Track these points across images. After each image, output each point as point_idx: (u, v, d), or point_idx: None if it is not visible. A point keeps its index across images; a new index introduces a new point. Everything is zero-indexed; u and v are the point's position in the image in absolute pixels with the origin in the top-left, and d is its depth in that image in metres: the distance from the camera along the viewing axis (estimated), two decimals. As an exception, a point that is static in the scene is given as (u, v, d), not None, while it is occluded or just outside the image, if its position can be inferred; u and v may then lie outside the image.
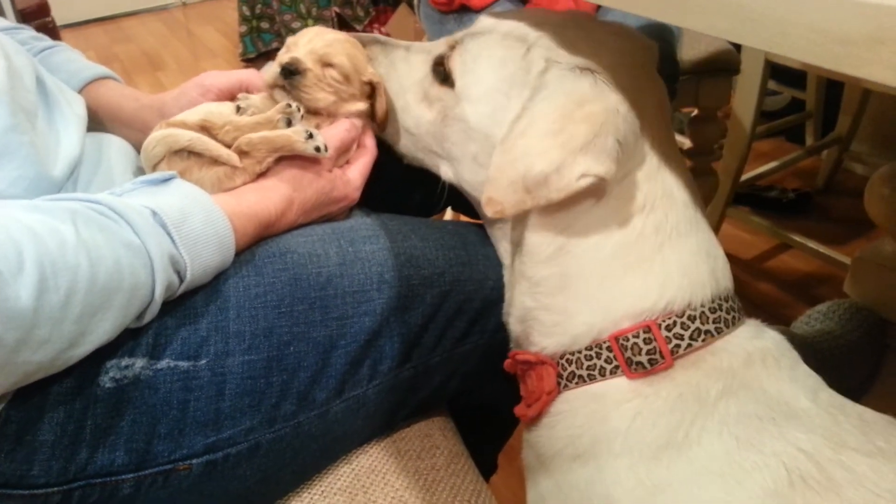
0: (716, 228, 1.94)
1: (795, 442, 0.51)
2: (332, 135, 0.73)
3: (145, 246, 0.55)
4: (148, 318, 0.57)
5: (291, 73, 0.72)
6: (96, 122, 0.79)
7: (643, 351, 0.56)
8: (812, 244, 1.75)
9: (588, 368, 0.59)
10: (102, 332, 0.52)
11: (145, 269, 0.55)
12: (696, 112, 1.62)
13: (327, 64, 0.74)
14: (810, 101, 2.20)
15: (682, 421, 0.54)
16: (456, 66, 0.68)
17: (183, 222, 0.58)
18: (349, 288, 0.67)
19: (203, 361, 0.59)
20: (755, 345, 0.57)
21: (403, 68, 0.76)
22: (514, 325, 0.68)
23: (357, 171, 0.77)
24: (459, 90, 0.67)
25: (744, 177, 1.91)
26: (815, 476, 0.49)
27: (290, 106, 0.71)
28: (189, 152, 0.68)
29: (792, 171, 2.27)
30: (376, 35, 0.80)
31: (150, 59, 3.80)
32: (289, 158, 0.70)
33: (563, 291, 0.61)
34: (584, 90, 0.57)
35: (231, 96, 0.77)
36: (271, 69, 0.74)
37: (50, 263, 0.48)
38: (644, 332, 0.57)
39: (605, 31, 0.67)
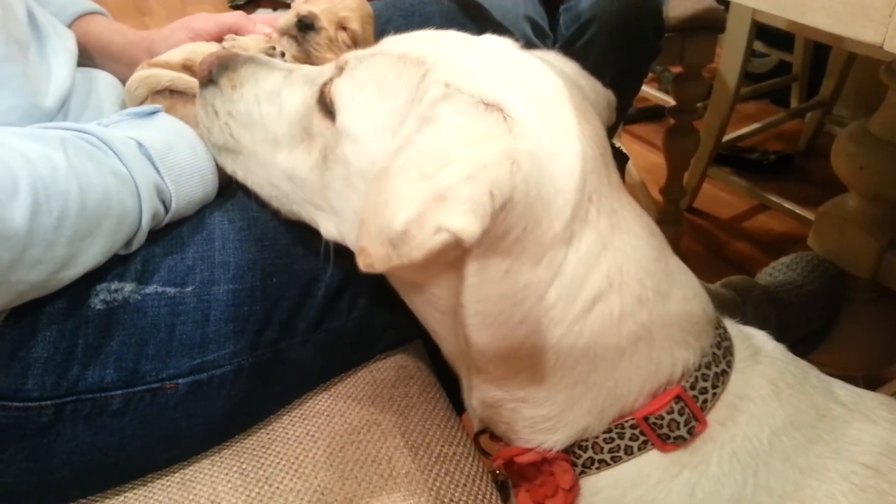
0: (696, 188, 1.98)
1: (853, 457, 0.50)
2: None
3: (132, 175, 0.57)
4: (136, 245, 0.60)
5: (307, 27, 0.73)
6: (85, 56, 0.80)
7: (681, 424, 0.51)
8: (788, 205, 1.79)
9: (610, 451, 0.53)
10: (92, 255, 0.55)
11: (132, 197, 0.57)
12: (680, 70, 1.64)
13: (342, 27, 0.75)
14: (797, 63, 2.22)
15: (746, 476, 0.50)
16: (339, 94, 0.55)
17: (167, 154, 0.61)
18: (331, 224, 0.69)
19: (189, 288, 0.62)
20: (768, 365, 0.55)
21: (277, 99, 0.62)
22: (479, 408, 0.58)
23: None
24: (340, 125, 0.55)
25: (726, 137, 1.93)
26: (886, 489, 0.49)
27: (273, 48, 0.72)
28: (171, 91, 0.70)
29: (775, 133, 2.30)
30: (257, 56, 0.66)
31: (137, 3, 3.73)
32: None
33: (543, 384, 0.52)
34: (481, 129, 0.47)
35: (219, 41, 0.78)
36: (287, 16, 0.75)
37: (43, 188, 0.50)
38: (676, 404, 0.51)
39: (532, 60, 0.56)
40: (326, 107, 0.56)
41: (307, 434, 0.65)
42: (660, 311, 0.51)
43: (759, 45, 2.28)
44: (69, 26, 0.81)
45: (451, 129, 0.47)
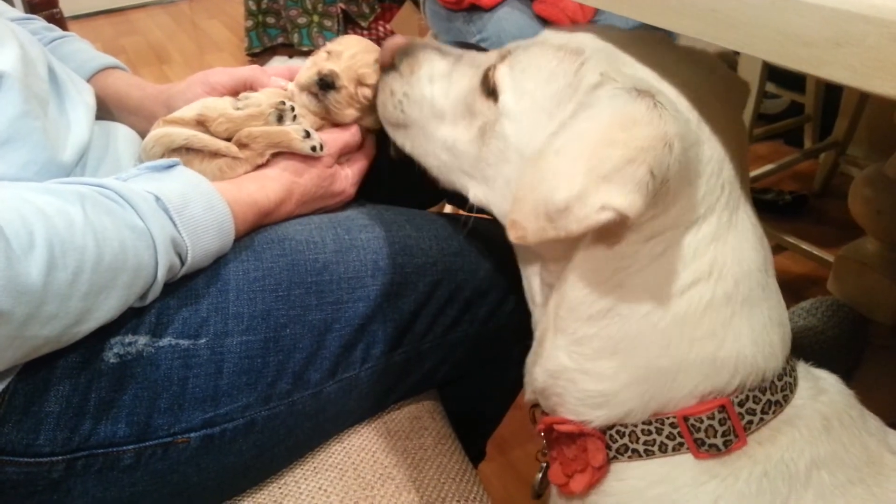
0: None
1: None
2: (337, 136, 0.78)
3: (149, 229, 0.57)
4: (151, 297, 0.60)
5: (328, 86, 0.76)
6: (104, 110, 0.82)
7: (718, 433, 0.51)
8: (805, 246, 1.77)
9: (645, 444, 0.54)
10: (107, 309, 0.55)
11: (148, 251, 0.57)
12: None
13: (361, 83, 0.77)
14: (809, 104, 2.22)
15: (774, 502, 0.50)
16: (502, 78, 0.61)
17: (184, 207, 0.61)
18: (344, 274, 0.69)
19: (203, 340, 0.61)
20: (826, 404, 0.54)
21: (447, 81, 0.69)
22: (540, 377, 0.60)
23: (355, 169, 0.80)
24: (502, 105, 0.60)
25: (740, 178, 1.92)
26: None
27: (283, 104, 0.74)
28: (187, 149, 0.71)
29: (789, 173, 2.29)
30: (432, 42, 0.74)
31: (156, 51, 3.82)
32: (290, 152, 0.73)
33: (612, 357, 0.54)
34: (635, 113, 0.49)
35: (235, 94, 0.80)
36: (308, 73, 0.77)
37: (59, 243, 0.50)
38: (719, 413, 0.51)
39: (685, 57, 0.59)
40: (489, 88, 0.62)
41: (320, 488, 0.64)
42: (741, 317, 0.52)
43: (771, 87, 2.28)
44: (88, 80, 0.83)
45: (606, 113, 0.50)
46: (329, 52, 0.79)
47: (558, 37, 0.61)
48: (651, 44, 0.59)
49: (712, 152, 0.52)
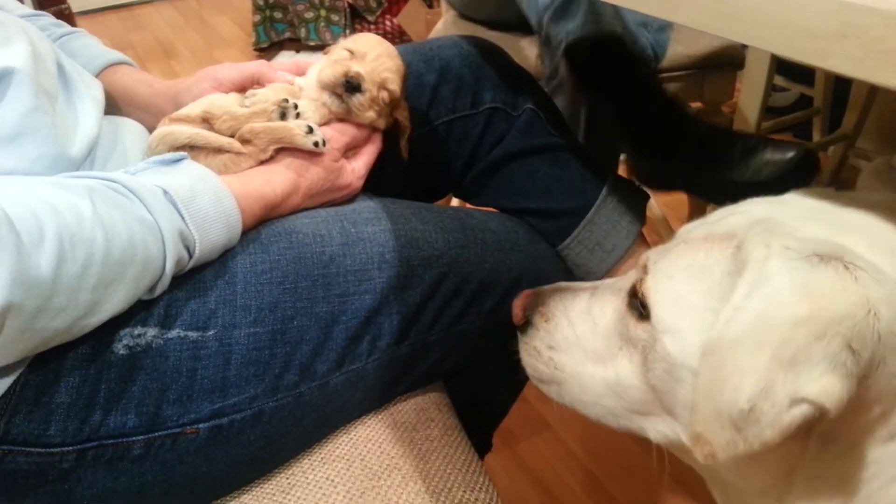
0: (719, 222, 1.96)
1: None
2: (344, 130, 0.78)
3: (157, 222, 0.58)
4: (159, 290, 0.60)
5: (354, 88, 0.76)
6: (112, 105, 0.83)
7: None
8: (814, 239, 1.76)
9: None
10: (116, 301, 0.56)
11: (157, 244, 0.58)
12: (700, 106, 1.64)
13: (384, 87, 0.77)
14: (818, 97, 2.21)
15: None
16: (648, 290, 0.53)
17: (192, 201, 0.62)
18: (351, 267, 0.70)
19: (211, 332, 0.62)
20: None
21: (589, 317, 0.61)
22: None
23: (362, 162, 0.81)
24: (654, 320, 0.52)
25: (748, 172, 1.92)
26: None
27: (286, 101, 0.74)
28: (191, 146, 0.72)
29: (798, 167, 2.28)
30: (559, 284, 0.67)
31: (164, 47, 3.83)
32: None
33: None
34: (821, 282, 0.41)
35: (243, 89, 0.80)
36: (334, 73, 0.76)
37: (68, 236, 0.51)
38: None
39: (863, 205, 0.49)
40: (638, 310, 0.54)
41: (327, 479, 0.65)
42: None
43: (779, 80, 2.27)
44: (97, 76, 0.84)
45: (786, 288, 0.42)
46: (352, 52, 0.79)
47: (699, 229, 0.53)
48: (797, 197, 0.51)
49: None
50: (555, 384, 0.63)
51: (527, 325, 0.65)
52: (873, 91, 1.98)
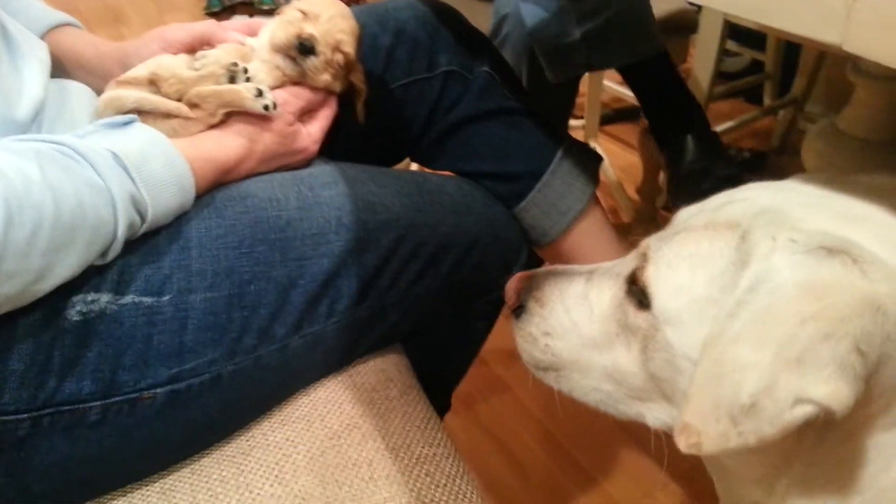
0: (673, 186, 2.00)
1: None
2: (299, 94, 0.77)
3: (107, 185, 0.57)
4: (111, 255, 0.60)
5: (308, 50, 0.75)
6: (58, 68, 0.80)
7: None
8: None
9: None
10: (67, 266, 0.55)
11: (107, 208, 0.57)
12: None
13: (337, 49, 0.76)
14: (769, 62, 2.25)
15: None
16: (649, 278, 0.52)
17: (143, 164, 0.61)
18: (308, 230, 0.70)
19: (166, 297, 0.62)
20: None
21: (585, 303, 0.60)
22: None
23: (318, 126, 0.80)
24: (656, 311, 0.51)
25: (701, 136, 1.95)
26: None
27: (235, 65, 0.73)
28: (138, 111, 0.70)
29: (748, 131, 2.33)
30: (554, 267, 0.66)
31: (112, 11, 3.70)
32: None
33: None
34: (827, 276, 0.40)
35: (192, 50, 0.79)
36: (287, 35, 0.75)
37: (16, 200, 0.50)
38: None
39: (875, 192, 0.48)
40: (638, 297, 0.53)
41: (287, 439, 0.65)
42: None
43: (731, 45, 2.31)
44: (42, 37, 0.81)
45: (792, 283, 0.41)
46: (305, 14, 0.77)
47: (699, 217, 0.52)
48: (804, 186, 0.50)
49: None
50: (552, 371, 0.62)
51: (520, 309, 0.64)
52: (822, 56, 2.02)
